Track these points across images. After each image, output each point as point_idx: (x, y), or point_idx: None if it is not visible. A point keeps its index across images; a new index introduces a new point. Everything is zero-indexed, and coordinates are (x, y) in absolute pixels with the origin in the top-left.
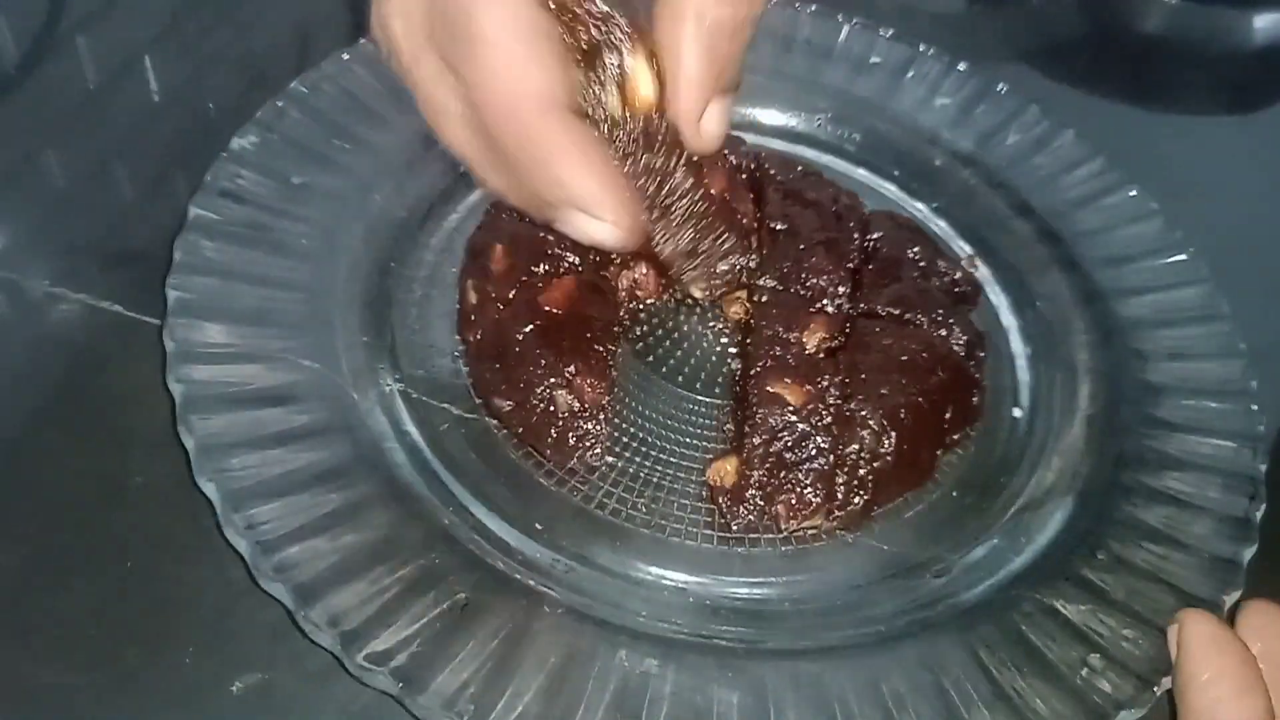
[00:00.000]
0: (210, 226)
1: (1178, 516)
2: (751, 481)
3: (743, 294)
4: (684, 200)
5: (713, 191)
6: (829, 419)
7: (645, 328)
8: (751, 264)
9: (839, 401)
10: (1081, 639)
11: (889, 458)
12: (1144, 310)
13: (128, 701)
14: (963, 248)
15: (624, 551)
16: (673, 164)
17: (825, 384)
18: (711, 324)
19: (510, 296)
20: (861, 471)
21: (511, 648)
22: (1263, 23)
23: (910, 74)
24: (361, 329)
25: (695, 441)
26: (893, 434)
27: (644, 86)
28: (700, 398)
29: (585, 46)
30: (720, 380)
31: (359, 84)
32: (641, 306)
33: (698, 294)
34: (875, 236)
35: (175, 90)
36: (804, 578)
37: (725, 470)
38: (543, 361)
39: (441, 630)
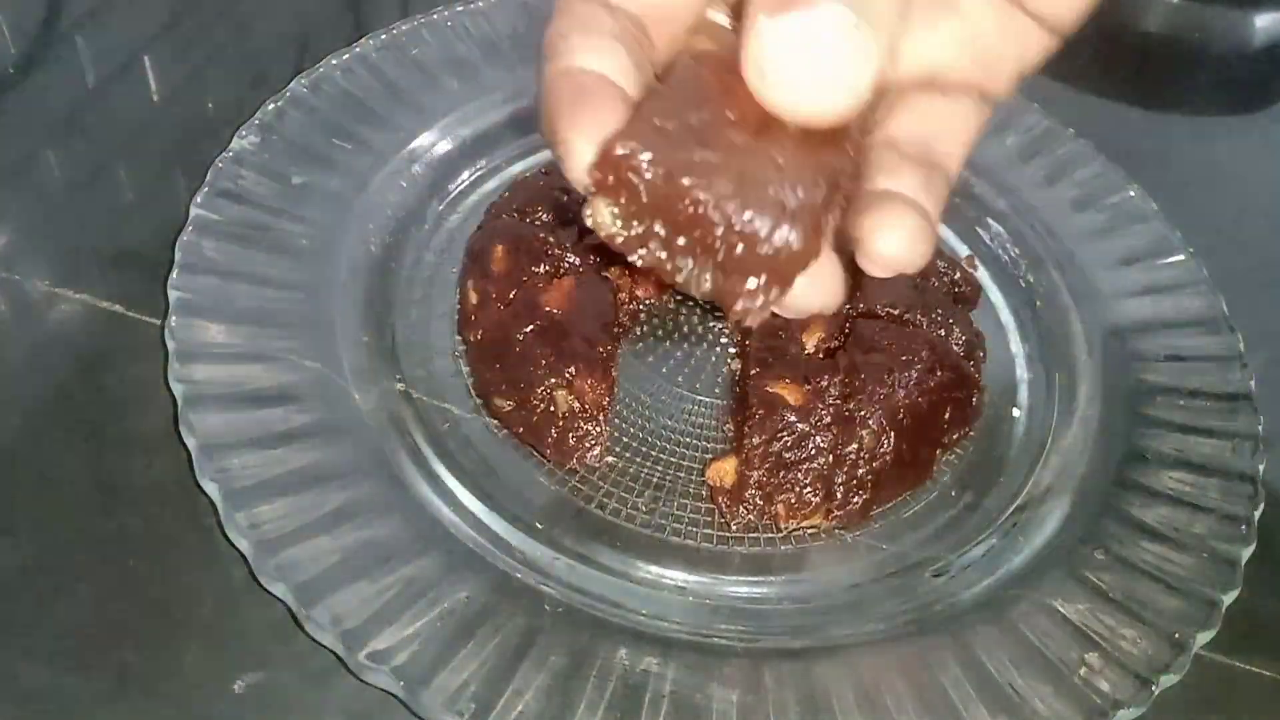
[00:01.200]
0: (210, 226)
1: (1176, 516)
2: (751, 481)
3: None
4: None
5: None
6: (828, 419)
7: (645, 328)
8: None
9: (838, 401)
10: (1080, 638)
11: (888, 457)
12: (1143, 311)
13: (128, 701)
14: (962, 248)
15: (624, 551)
16: None
17: (824, 384)
18: (711, 324)
19: (511, 297)
20: (860, 471)
21: (512, 646)
22: (1263, 23)
23: None
24: (362, 329)
25: (695, 441)
26: (892, 434)
27: None
28: (700, 398)
29: None
30: (720, 380)
31: (359, 84)
32: (641, 306)
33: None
34: None
35: (175, 90)
36: (803, 577)
37: (725, 470)
38: (543, 361)
39: (443, 629)
